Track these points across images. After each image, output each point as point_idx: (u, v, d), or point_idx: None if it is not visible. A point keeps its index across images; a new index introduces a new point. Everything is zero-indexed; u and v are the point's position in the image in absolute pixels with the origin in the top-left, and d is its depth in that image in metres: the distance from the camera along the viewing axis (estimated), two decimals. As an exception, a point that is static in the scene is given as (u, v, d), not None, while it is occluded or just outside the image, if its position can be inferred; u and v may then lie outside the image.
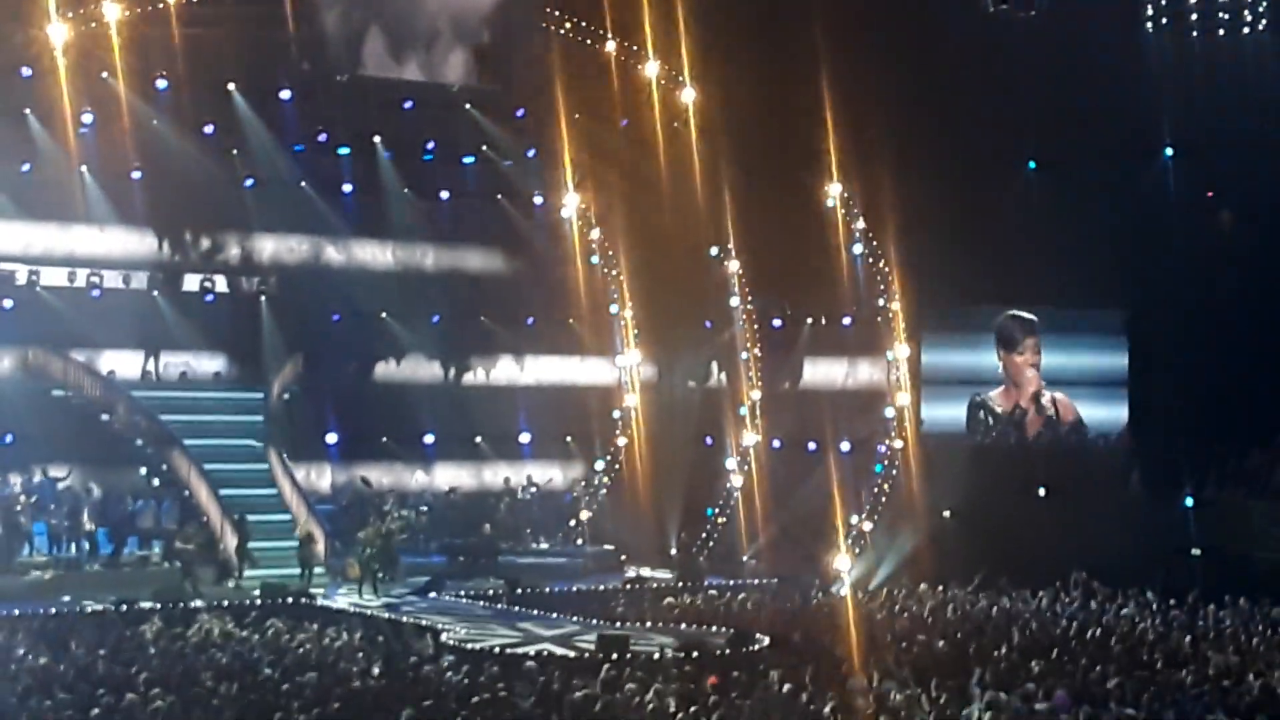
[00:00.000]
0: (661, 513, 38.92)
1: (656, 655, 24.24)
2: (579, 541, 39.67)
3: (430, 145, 41.52)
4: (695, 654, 24.22)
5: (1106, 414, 41.71)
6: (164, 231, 39.53)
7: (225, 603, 29.69)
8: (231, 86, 37.66)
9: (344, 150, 40.68)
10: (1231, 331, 38.52)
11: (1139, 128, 40.26)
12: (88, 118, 36.45)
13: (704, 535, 38.94)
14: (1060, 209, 39.41)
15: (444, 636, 26.23)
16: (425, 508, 38.89)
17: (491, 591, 33.14)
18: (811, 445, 40.18)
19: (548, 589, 33.52)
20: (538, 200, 42.52)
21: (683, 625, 28.39)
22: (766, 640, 25.81)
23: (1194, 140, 40.66)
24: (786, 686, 19.80)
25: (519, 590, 33.04)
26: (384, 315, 41.53)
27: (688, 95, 37.99)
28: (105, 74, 35.04)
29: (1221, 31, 41.36)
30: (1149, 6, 41.57)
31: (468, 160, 41.91)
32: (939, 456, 38.49)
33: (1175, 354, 39.13)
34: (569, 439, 42.45)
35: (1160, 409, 39.58)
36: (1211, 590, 30.01)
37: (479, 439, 42.12)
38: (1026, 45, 38.94)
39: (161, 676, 20.56)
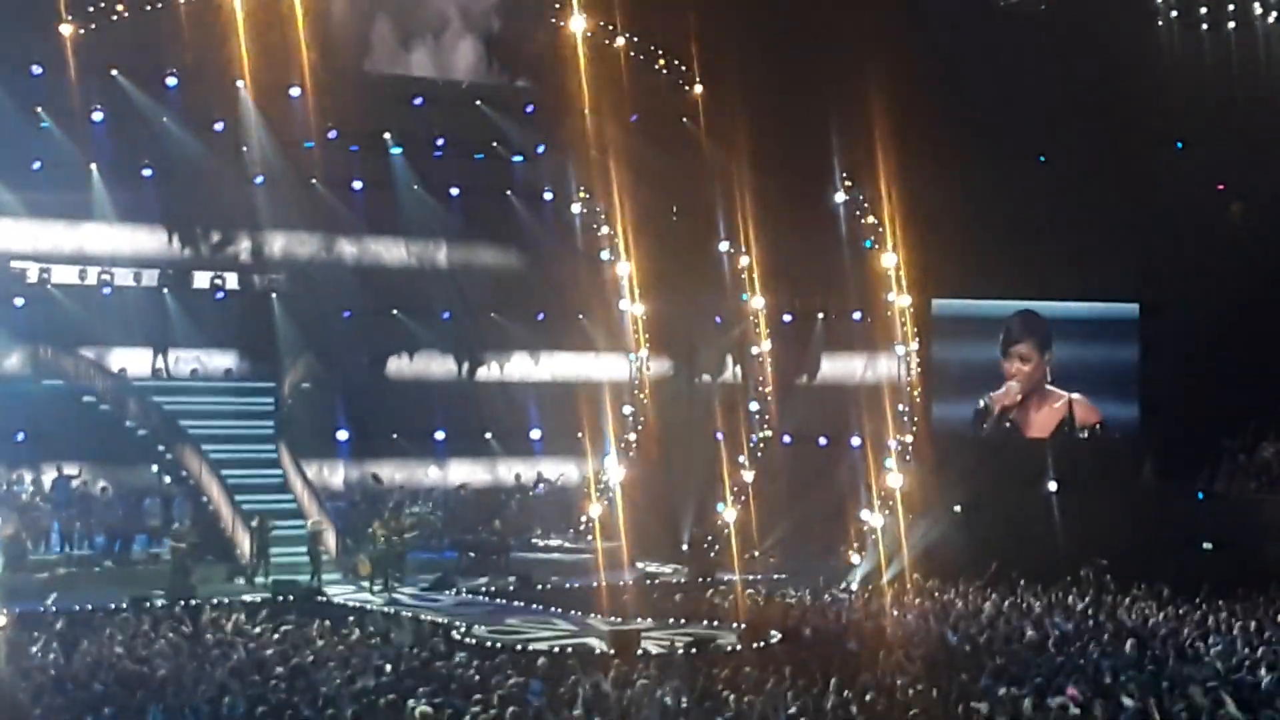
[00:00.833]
0: (673, 508, 38.90)
1: (668, 651, 24.26)
2: (590, 537, 39.64)
3: (440, 141, 41.54)
4: (706, 650, 24.22)
5: (1118, 408, 41.62)
6: (174, 229, 39.68)
7: (237, 600, 29.68)
8: (241, 84, 37.73)
9: (354, 147, 40.71)
10: (1243, 324, 38.40)
11: (1149, 120, 40.16)
12: (98, 115, 36.51)
13: (715, 531, 38.90)
14: (1070, 202, 39.31)
15: (455, 632, 26.27)
16: (433, 505, 38.83)
17: (502, 587, 33.16)
18: (822, 440, 40.14)
19: (559, 585, 33.53)
20: (548, 196, 42.52)
21: (694, 621, 28.38)
22: (778, 636, 25.81)
23: (1205, 132, 40.54)
24: (799, 682, 19.79)
25: (530, 586, 33.04)
26: (395, 312, 41.58)
27: (697, 91, 37.96)
28: (115, 72, 35.07)
29: (1232, 24, 41.24)
30: (1160, -2, 41.53)
31: (478, 156, 41.91)
32: (949, 451, 38.43)
33: (1186, 347, 39.04)
34: (580, 435, 42.44)
35: (1171, 402, 39.51)
36: (1222, 584, 29.97)
37: (489, 435, 42.14)
38: (1037, 38, 38.88)
39: (173, 674, 20.57)
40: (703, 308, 41.58)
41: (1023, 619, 27.30)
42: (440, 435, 41.60)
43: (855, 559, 35.62)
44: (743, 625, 26.96)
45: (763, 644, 25.22)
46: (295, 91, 38.13)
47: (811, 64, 36.39)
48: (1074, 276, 39.34)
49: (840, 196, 38.79)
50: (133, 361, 38.55)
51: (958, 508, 37.40)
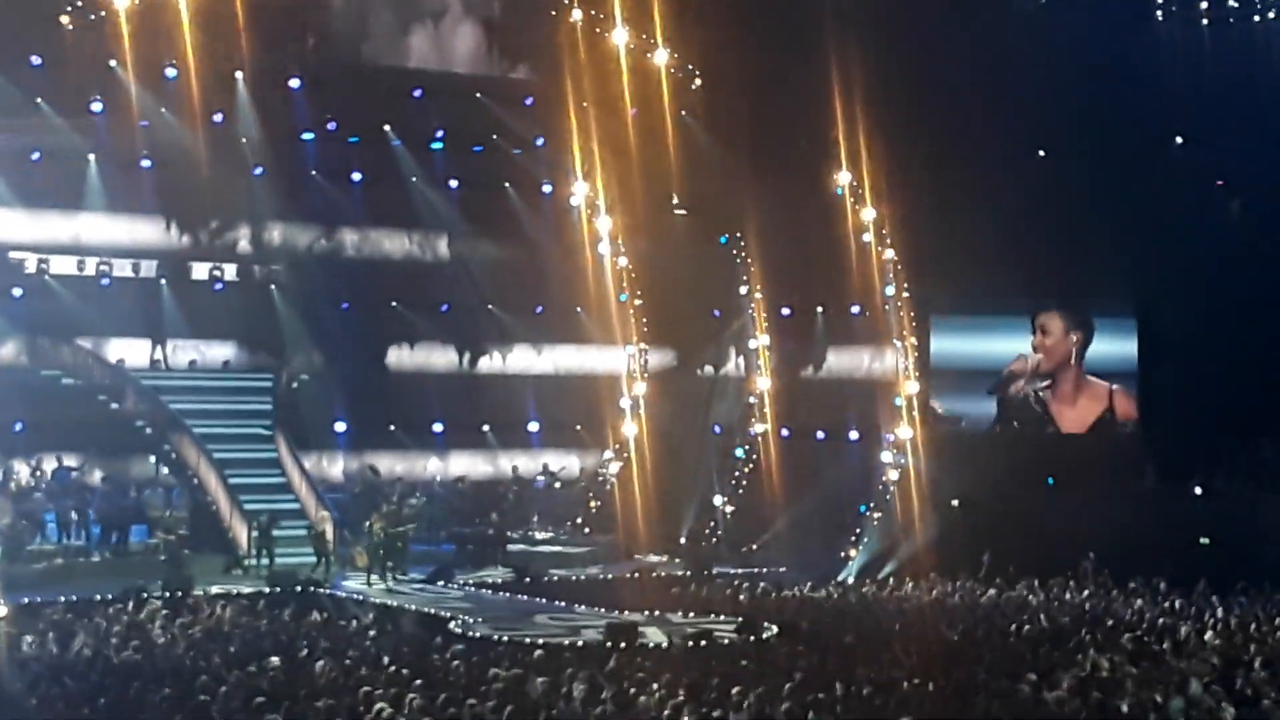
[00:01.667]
0: (670, 501, 38.88)
1: (665, 644, 24.26)
2: (588, 530, 39.65)
3: (440, 133, 41.47)
4: (703, 643, 24.22)
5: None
6: (173, 219, 39.60)
7: (234, 591, 29.70)
8: (240, 75, 37.65)
9: (353, 139, 40.68)
10: (1242, 322, 38.42)
11: (1149, 117, 40.15)
12: (96, 106, 36.47)
13: (713, 524, 38.91)
14: (1070, 198, 39.29)
15: (452, 625, 26.28)
16: (428, 498, 38.79)
17: (500, 580, 33.15)
18: (820, 434, 40.12)
19: (556, 578, 33.54)
20: (547, 189, 42.49)
21: (691, 614, 28.38)
22: (775, 629, 25.81)
23: (1204, 129, 40.53)
24: (795, 675, 19.78)
25: (527, 579, 33.05)
26: (394, 304, 41.54)
27: (697, 84, 37.91)
28: (114, 62, 35.02)
29: (1231, 20, 41.24)
30: (1159, -6, 41.53)
31: (477, 149, 41.84)
32: (948, 445, 38.42)
33: (1185, 345, 39.05)
34: (578, 428, 42.43)
35: (1170, 400, 39.50)
36: (1220, 580, 29.98)
37: (488, 428, 42.12)
38: (1037, 33, 38.85)
39: (170, 665, 20.56)
40: (700, 301, 41.52)
41: (1020, 613, 27.31)
42: (439, 427, 41.59)
43: (853, 553, 35.62)
44: (740, 618, 26.92)
45: (760, 637, 25.21)
46: (295, 83, 38.11)
47: (811, 59, 36.35)
48: (1072, 272, 39.31)
49: (839, 191, 38.68)
50: (131, 352, 38.48)
51: (955, 501, 37.42)
